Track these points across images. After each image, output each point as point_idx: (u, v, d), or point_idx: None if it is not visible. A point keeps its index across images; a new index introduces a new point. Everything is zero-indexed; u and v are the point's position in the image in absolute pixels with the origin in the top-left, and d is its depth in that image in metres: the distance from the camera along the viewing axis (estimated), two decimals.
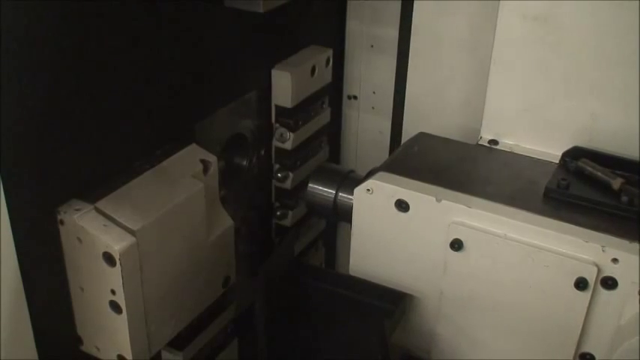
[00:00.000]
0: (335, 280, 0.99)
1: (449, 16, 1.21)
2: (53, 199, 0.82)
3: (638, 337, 0.78)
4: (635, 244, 0.81)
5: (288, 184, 1.22)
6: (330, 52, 1.25)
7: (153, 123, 0.93)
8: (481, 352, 0.94)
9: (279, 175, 1.22)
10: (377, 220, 0.94)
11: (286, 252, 1.04)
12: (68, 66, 0.79)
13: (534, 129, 1.01)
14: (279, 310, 0.94)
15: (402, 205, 0.91)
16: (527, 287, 0.86)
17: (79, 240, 0.82)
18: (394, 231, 0.93)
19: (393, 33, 1.29)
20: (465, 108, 1.24)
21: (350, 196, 0.98)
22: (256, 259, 1.22)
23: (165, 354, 0.99)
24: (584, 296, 0.83)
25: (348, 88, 1.39)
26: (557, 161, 0.97)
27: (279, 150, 1.21)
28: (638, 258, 0.80)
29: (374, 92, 1.36)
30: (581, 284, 0.83)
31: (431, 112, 1.29)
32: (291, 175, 1.22)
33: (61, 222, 0.82)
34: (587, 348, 0.87)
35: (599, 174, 0.91)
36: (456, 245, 0.88)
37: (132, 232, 0.82)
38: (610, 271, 0.82)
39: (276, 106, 1.18)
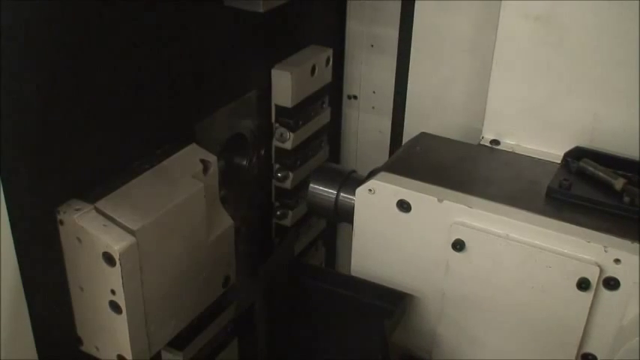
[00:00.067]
0: (335, 280, 0.99)
1: (451, 16, 1.20)
2: (53, 199, 0.82)
3: (639, 338, 0.78)
4: (637, 245, 0.81)
5: (288, 184, 1.22)
6: (330, 52, 1.25)
7: (153, 123, 0.93)
8: (482, 353, 0.94)
9: (279, 174, 1.22)
10: (379, 220, 0.94)
11: (286, 252, 1.04)
12: (68, 66, 0.79)
13: (536, 129, 1.01)
14: (279, 310, 0.94)
15: (403, 206, 0.91)
16: (529, 287, 0.86)
17: (79, 240, 0.82)
18: (396, 231, 0.93)
19: (394, 32, 1.29)
20: (466, 108, 1.24)
21: (351, 197, 0.98)
22: (256, 259, 1.22)
23: (165, 354, 0.99)
24: (587, 297, 0.83)
25: (348, 88, 1.39)
26: (559, 161, 0.97)
27: (279, 150, 1.21)
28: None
29: (374, 92, 1.36)
30: (583, 285, 0.82)
31: (432, 111, 1.29)
32: (291, 174, 1.22)
33: (61, 222, 0.82)
34: (589, 348, 0.87)
35: (601, 174, 0.91)
36: (458, 246, 0.88)
37: (132, 232, 0.82)
38: (612, 271, 0.82)
39: (276, 106, 1.17)
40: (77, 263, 0.84)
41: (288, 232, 1.25)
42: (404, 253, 0.94)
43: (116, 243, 0.80)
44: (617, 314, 0.83)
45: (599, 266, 0.82)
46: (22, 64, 0.73)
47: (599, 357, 0.87)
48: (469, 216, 0.88)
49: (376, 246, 0.96)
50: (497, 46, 1.00)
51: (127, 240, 0.81)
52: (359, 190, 0.94)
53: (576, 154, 0.96)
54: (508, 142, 1.03)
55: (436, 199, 0.89)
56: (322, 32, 1.29)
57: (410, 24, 1.25)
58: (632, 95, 0.93)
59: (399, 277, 0.95)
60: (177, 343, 0.97)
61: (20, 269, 0.77)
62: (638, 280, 0.80)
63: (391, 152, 1.38)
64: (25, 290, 0.79)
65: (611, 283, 0.82)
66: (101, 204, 0.83)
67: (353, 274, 0.99)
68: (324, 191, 1.03)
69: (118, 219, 0.82)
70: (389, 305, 0.94)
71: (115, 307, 0.84)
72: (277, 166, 1.22)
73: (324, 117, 1.28)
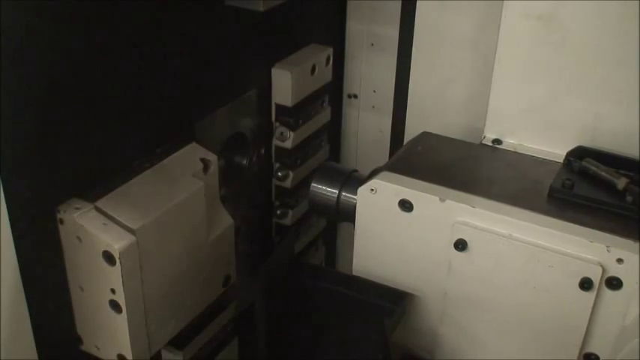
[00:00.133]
0: (335, 279, 0.99)
1: (452, 15, 1.20)
2: (53, 198, 0.81)
3: None
4: None
5: (288, 183, 1.22)
6: (330, 51, 1.25)
7: (153, 122, 0.93)
8: (484, 353, 0.93)
9: (279, 173, 1.22)
10: (380, 220, 0.94)
11: (286, 251, 1.03)
12: (68, 65, 0.78)
13: (538, 128, 1.01)
14: (279, 310, 0.94)
15: (405, 205, 0.91)
16: (531, 287, 0.86)
17: (79, 239, 0.82)
18: (398, 231, 0.93)
19: (394, 31, 1.29)
20: (467, 107, 1.24)
21: (353, 196, 0.98)
22: (256, 258, 1.22)
23: (165, 353, 0.98)
24: (589, 296, 0.83)
25: (349, 87, 1.39)
26: (562, 161, 0.97)
27: (279, 149, 1.20)
28: None
29: (374, 91, 1.36)
30: (585, 284, 0.82)
31: (433, 111, 1.28)
32: (291, 173, 1.21)
33: (61, 221, 0.82)
34: (591, 348, 0.87)
35: (603, 174, 0.91)
36: (460, 245, 0.88)
37: (132, 231, 0.82)
38: (615, 271, 0.82)
39: (277, 105, 1.17)
40: (77, 262, 0.84)
41: (288, 232, 1.25)
42: (406, 252, 0.94)
43: (116, 242, 0.80)
44: (619, 314, 0.83)
45: (601, 266, 0.81)
46: (22, 64, 0.73)
47: (601, 357, 0.87)
48: (471, 215, 0.87)
49: (378, 246, 0.96)
50: (499, 46, 1.00)
51: (127, 239, 0.81)
52: (361, 189, 0.94)
53: (578, 153, 0.95)
54: (510, 142, 1.03)
55: (438, 198, 0.89)
56: (322, 31, 1.28)
57: (411, 23, 1.25)
58: (633, 94, 0.93)
59: (400, 277, 0.95)
60: (178, 342, 0.97)
61: (20, 268, 0.77)
62: None
63: (391, 152, 1.38)
64: (25, 289, 0.78)
65: (614, 283, 0.82)
66: (101, 203, 0.83)
67: (355, 273, 0.99)
68: (326, 191, 1.03)
69: (118, 218, 0.82)
70: (390, 305, 0.94)
71: (115, 306, 0.84)
72: (277, 165, 1.22)
73: (325, 116, 1.28)
